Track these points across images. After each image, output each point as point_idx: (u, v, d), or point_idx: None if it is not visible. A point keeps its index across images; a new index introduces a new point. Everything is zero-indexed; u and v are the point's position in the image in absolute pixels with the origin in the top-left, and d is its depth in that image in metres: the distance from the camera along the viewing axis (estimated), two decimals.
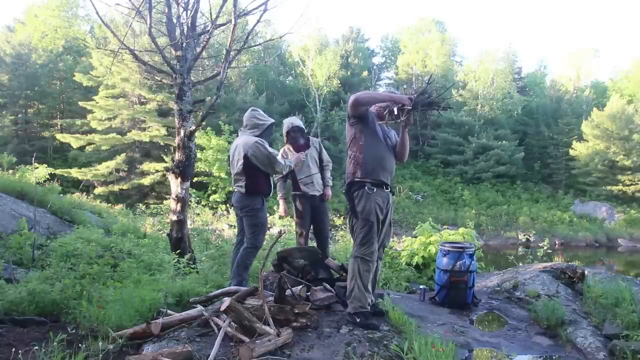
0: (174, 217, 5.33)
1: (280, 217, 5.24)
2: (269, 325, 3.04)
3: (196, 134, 5.55)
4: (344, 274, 3.96)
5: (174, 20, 5.46)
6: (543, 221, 24.60)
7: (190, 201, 10.49)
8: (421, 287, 4.96)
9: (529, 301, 4.42)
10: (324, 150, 5.05)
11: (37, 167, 11.26)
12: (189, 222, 6.22)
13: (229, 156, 4.56)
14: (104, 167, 22.40)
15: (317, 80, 31.18)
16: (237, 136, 4.49)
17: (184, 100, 5.31)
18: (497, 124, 31.37)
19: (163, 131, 22.95)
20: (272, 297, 3.46)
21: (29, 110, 26.91)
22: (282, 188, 5.02)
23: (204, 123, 8.26)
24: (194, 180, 17.14)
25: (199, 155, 19.26)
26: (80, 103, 23.74)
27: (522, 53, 72.79)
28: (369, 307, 3.50)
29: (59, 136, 24.00)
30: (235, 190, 4.33)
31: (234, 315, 3.01)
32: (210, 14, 5.46)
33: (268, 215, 4.84)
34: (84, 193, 18.03)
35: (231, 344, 2.97)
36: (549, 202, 28.30)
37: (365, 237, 3.44)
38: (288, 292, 3.56)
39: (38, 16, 32.55)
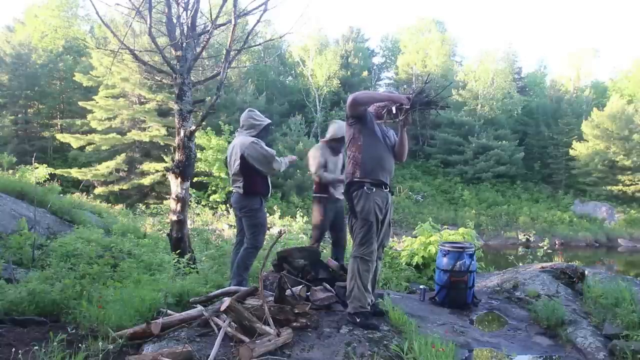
0: (174, 217, 5.33)
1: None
2: (269, 325, 3.03)
3: (196, 134, 5.55)
4: (344, 274, 3.96)
5: (174, 20, 5.45)
6: (543, 221, 24.57)
7: (190, 201, 10.48)
8: (421, 287, 4.95)
9: (529, 301, 4.42)
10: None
11: (37, 167, 11.27)
12: (189, 222, 6.23)
13: (226, 157, 4.55)
14: (104, 167, 22.40)
15: (317, 80, 31.21)
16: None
17: (184, 100, 5.31)
18: (497, 124, 31.35)
19: (163, 131, 22.95)
20: (272, 297, 3.46)
21: (29, 110, 26.91)
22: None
23: (204, 123, 8.26)
24: (194, 180, 17.12)
25: (199, 155, 19.24)
26: (80, 103, 23.73)
27: (522, 53, 72.97)
28: (369, 307, 3.50)
29: (59, 136, 24.00)
30: (234, 190, 4.33)
31: (234, 315, 3.01)
32: (210, 14, 5.46)
33: (268, 215, 4.82)
34: (84, 193, 18.04)
35: (231, 344, 2.97)
36: (549, 202, 28.29)
37: (365, 237, 3.44)
38: (288, 292, 3.56)
39: (38, 16, 32.55)
